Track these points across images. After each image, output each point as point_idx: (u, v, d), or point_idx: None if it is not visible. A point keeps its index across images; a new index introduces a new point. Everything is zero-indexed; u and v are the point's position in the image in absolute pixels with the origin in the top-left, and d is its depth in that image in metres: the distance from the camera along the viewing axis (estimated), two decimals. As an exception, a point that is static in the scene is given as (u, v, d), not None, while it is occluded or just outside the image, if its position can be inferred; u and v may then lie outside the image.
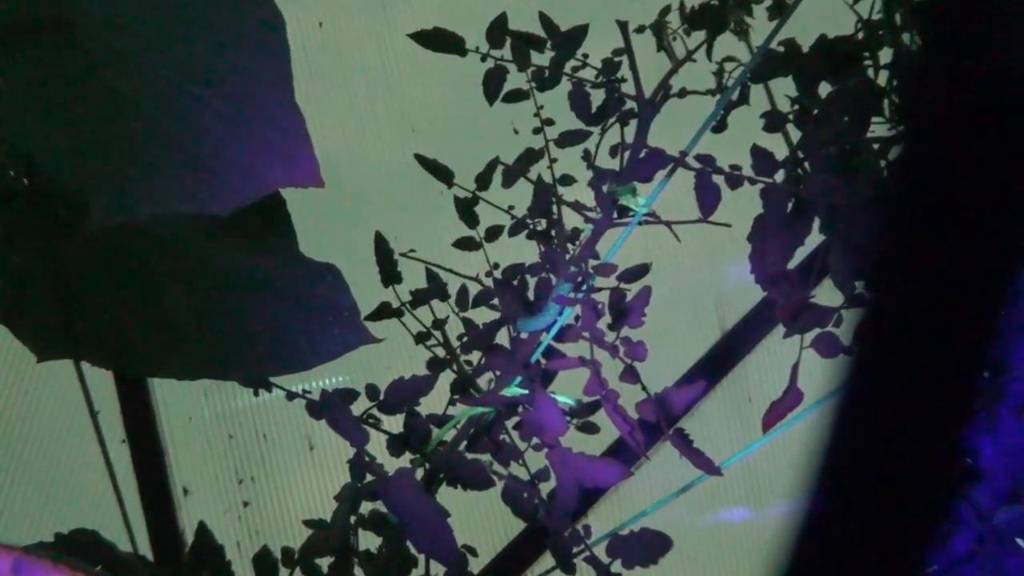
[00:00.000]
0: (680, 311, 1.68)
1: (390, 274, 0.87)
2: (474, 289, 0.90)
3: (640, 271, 0.82)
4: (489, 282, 0.89)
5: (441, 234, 0.89)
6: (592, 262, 0.82)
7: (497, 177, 0.88)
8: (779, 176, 0.80)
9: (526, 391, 0.80)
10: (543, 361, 0.85)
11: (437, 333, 0.90)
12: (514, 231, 0.88)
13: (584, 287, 0.81)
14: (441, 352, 0.90)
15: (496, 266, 0.90)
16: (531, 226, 0.88)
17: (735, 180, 0.79)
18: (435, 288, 0.90)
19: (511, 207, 0.89)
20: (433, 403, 0.86)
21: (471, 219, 0.89)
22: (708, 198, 0.78)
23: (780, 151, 0.82)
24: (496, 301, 0.88)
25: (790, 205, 0.79)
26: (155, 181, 0.47)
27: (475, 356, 0.89)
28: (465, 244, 0.91)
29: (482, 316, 0.89)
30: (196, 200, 0.48)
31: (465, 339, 0.89)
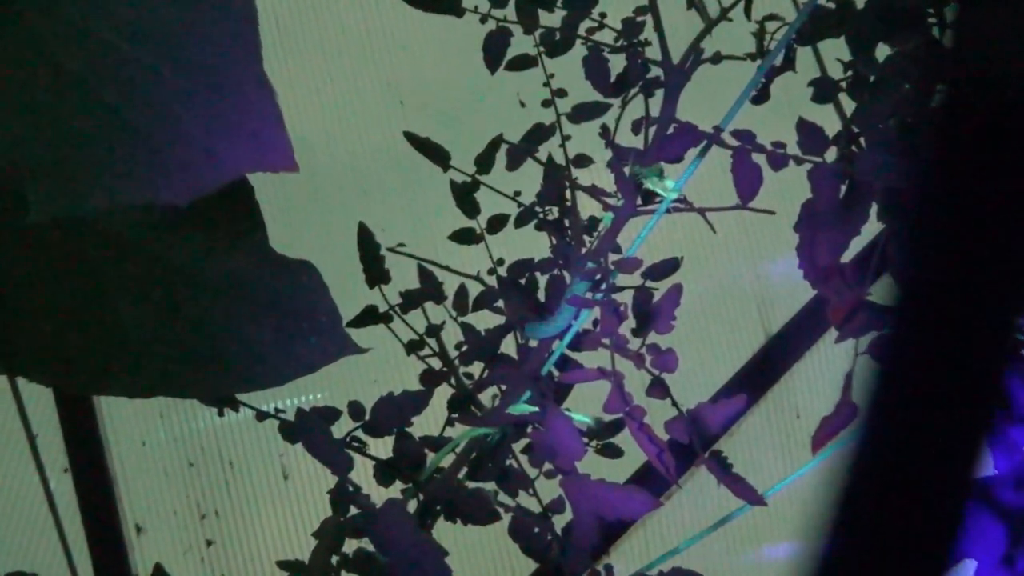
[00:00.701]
0: (716, 313, 1.68)
1: (376, 272, 0.88)
2: (475, 289, 0.90)
3: (669, 267, 0.83)
4: (492, 281, 0.89)
5: (436, 225, 0.90)
6: (613, 257, 0.82)
7: (501, 158, 0.88)
8: (830, 155, 0.80)
9: (536, 408, 0.80)
10: (556, 373, 0.85)
11: (431, 341, 0.91)
12: (521, 221, 0.88)
13: (603, 286, 0.82)
14: (437, 364, 0.90)
15: (500, 262, 0.90)
16: (541, 215, 0.88)
17: (779, 159, 0.79)
18: (429, 288, 0.90)
19: (517, 193, 0.89)
20: (428, 423, 0.86)
21: (470, 207, 0.90)
22: (748, 181, 0.78)
23: (831, 125, 0.83)
24: (500, 303, 0.88)
25: (843, 188, 0.79)
26: (103, 167, 0.48)
27: (476, 368, 0.90)
28: (464, 237, 0.91)
29: (484, 321, 0.90)
30: (151, 189, 0.48)
31: (464, 348, 0.90)
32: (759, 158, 0.79)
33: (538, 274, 0.88)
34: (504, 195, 0.89)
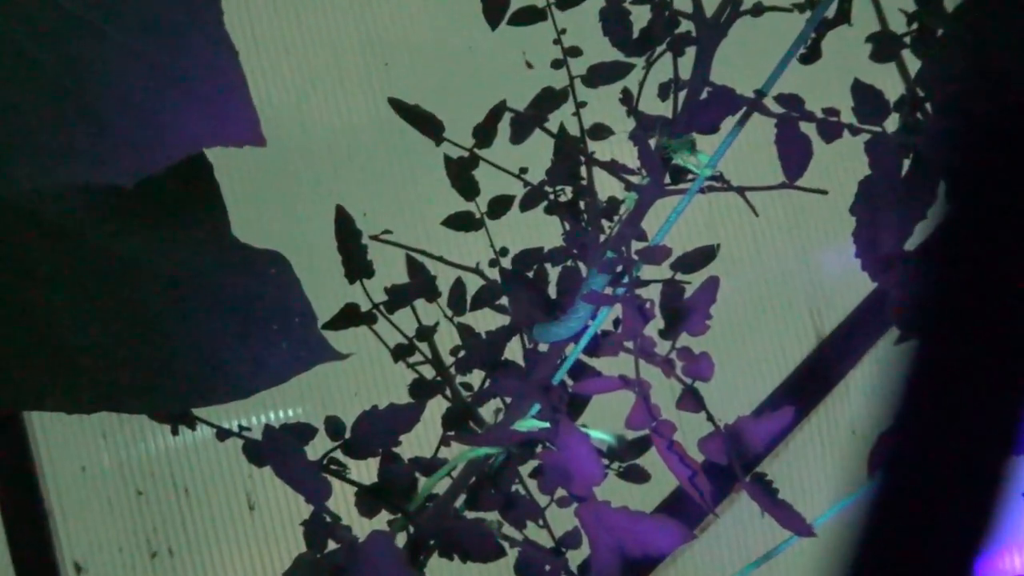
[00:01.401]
0: (759, 312, 1.68)
1: (357, 265, 0.88)
2: (473, 284, 0.90)
3: (704, 256, 0.83)
4: (494, 274, 0.90)
5: (427, 209, 0.90)
6: (637, 245, 0.82)
7: (504, 129, 0.88)
8: (891, 123, 0.80)
9: (547, 424, 0.81)
10: (570, 383, 0.85)
11: (423, 346, 0.91)
12: (528, 203, 0.88)
13: (626, 279, 0.82)
14: (429, 372, 0.90)
15: (504, 252, 0.91)
16: (551, 196, 0.88)
17: (831, 129, 0.79)
18: (419, 283, 0.90)
19: (523, 170, 0.89)
20: (419, 442, 0.86)
21: (468, 187, 0.90)
22: (795, 154, 0.78)
23: (892, 88, 0.83)
24: (504, 300, 0.89)
25: (906, 163, 0.79)
26: (32, 142, 0.48)
27: (476, 377, 0.90)
28: (461, 222, 0.91)
29: (485, 322, 0.90)
30: (91, 168, 0.49)
31: (461, 353, 0.90)
32: (808, 128, 0.79)
33: (548, 266, 0.88)
34: (508, 173, 0.89)
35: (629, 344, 0.79)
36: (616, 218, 0.86)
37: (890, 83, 0.83)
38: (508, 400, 0.88)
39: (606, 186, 0.87)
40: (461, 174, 0.90)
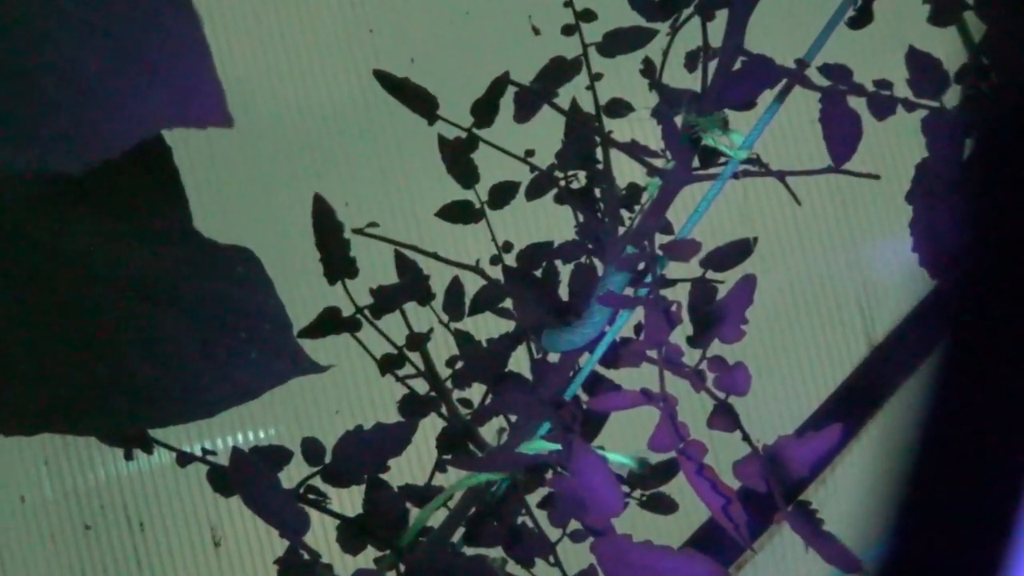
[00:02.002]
0: (802, 315, 1.68)
1: (338, 263, 0.88)
2: (473, 285, 0.90)
3: (738, 251, 0.83)
4: (497, 273, 0.90)
5: (419, 198, 0.90)
6: (661, 238, 0.82)
7: (507, 106, 0.88)
8: (952, 97, 0.80)
9: (558, 446, 0.81)
10: (584, 398, 0.85)
11: (414, 356, 0.91)
12: (535, 191, 0.88)
13: (648, 279, 0.82)
14: (422, 387, 0.90)
15: (507, 247, 0.91)
16: (562, 182, 0.88)
17: (884, 105, 0.79)
18: (411, 284, 0.90)
19: (529, 153, 0.89)
20: (410, 467, 0.87)
21: (466, 173, 0.90)
22: (843, 134, 0.78)
23: (954, 58, 0.83)
24: (508, 303, 0.89)
25: (969, 143, 0.79)
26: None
27: (475, 392, 0.90)
28: (457, 213, 0.91)
29: (486, 327, 0.90)
30: (32, 153, 0.49)
31: (459, 365, 0.90)
32: (857, 103, 0.79)
33: (559, 263, 0.88)
34: (512, 156, 0.89)
35: (652, 353, 0.79)
36: (637, 208, 0.86)
37: (951, 51, 0.83)
38: (513, 418, 0.88)
39: (625, 171, 0.87)
40: (458, 158, 0.90)
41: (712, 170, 0.83)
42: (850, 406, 1.73)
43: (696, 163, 0.82)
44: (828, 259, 1.71)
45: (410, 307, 0.91)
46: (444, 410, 0.90)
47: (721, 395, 0.79)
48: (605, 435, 0.87)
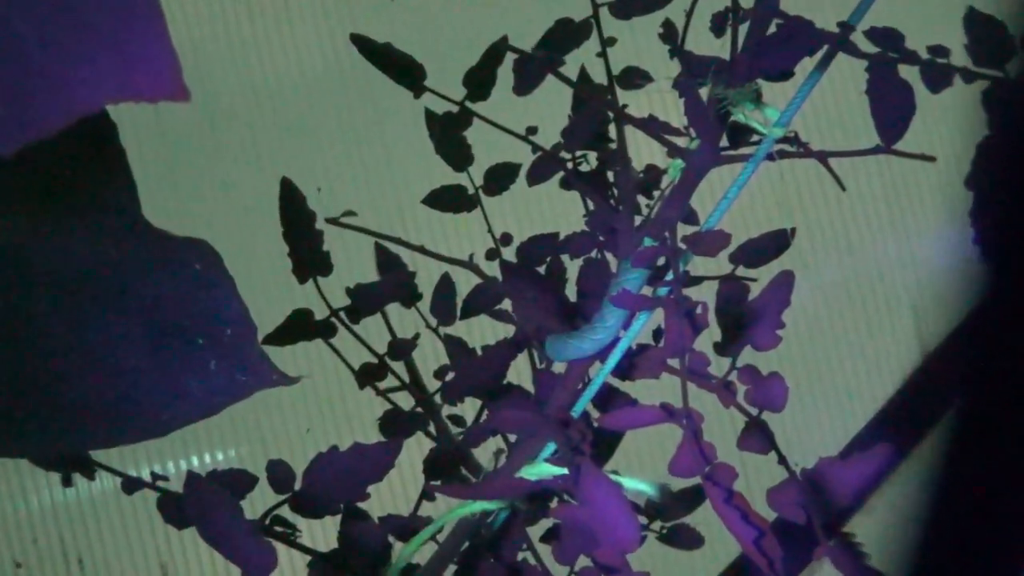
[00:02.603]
0: (848, 318, 1.68)
1: (309, 257, 0.88)
2: (466, 284, 0.90)
3: (774, 244, 0.83)
4: (493, 269, 0.90)
5: (403, 183, 0.90)
6: (684, 230, 0.82)
7: (506, 76, 0.89)
8: (1015, 66, 0.80)
9: (565, 470, 0.81)
10: (595, 415, 0.85)
11: (398, 366, 0.91)
12: (538, 174, 0.88)
13: (670, 276, 0.82)
14: (407, 401, 0.91)
15: (506, 240, 0.91)
16: (569, 164, 0.88)
17: (939, 74, 0.79)
18: (393, 282, 0.90)
19: (532, 131, 0.89)
20: (392, 495, 0.87)
21: (458, 154, 0.90)
22: (893, 108, 0.79)
23: (1018, 20, 0.83)
24: (507, 304, 0.89)
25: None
26: None
27: (469, 407, 0.90)
28: (447, 200, 0.91)
29: (481, 332, 0.90)
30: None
31: (450, 376, 0.90)
32: (909, 73, 0.79)
33: (566, 258, 0.88)
34: (511, 133, 0.89)
35: (674, 362, 0.79)
36: (656, 194, 0.86)
37: (1016, 13, 0.83)
38: (512, 438, 0.88)
39: (642, 151, 0.87)
40: (448, 136, 0.90)
41: (743, 150, 0.83)
42: (901, 423, 1.73)
43: (724, 142, 0.82)
44: (876, 254, 1.72)
45: (393, 309, 0.91)
46: (432, 428, 0.90)
47: (753, 411, 0.79)
48: (619, 458, 0.87)
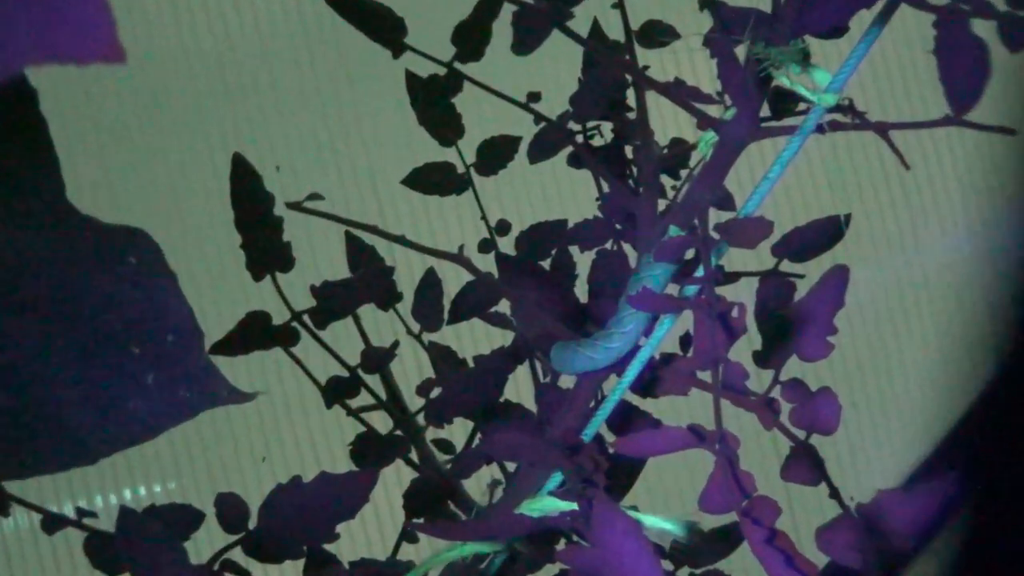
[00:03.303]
0: (912, 321, 1.68)
1: (267, 249, 0.88)
2: (455, 282, 0.90)
3: (825, 233, 0.83)
4: (488, 264, 0.90)
5: (379, 160, 0.90)
6: (717, 216, 0.82)
7: (502, 31, 0.89)
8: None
9: (574, 505, 0.81)
10: (610, 439, 0.85)
11: (373, 380, 0.91)
12: (542, 150, 0.89)
13: (699, 271, 0.82)
14: (384, 422, 0.91)
15: (503, 229, 0.91)
16: (580, 137, 0.88)
17: (1020, 30, 0.79)
18: (368, 280, 0.90)
19: (534, 97, 0.90)
20: (366, 535, 0.87)
21: (446, 124, 0.90)
22: (966, 70, 0.79)
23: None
24: (505, 306, 0.89)
25: None
26: None
27: (458, 429, 0.90)
28: (433, 181, 0.91)
29: (473, 340, 0.90)
30: None
31: (436, 392, 0.90)
32: (985, 28, 0.79)
33: (575, 250, 0.88)
34: (509, 100, 0.90)
35: (705, 375, 0.80)
36: (684, 174, 0.86)
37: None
38: (510, 467, 0.88)
39: (667, 122, 0.87)
40: (434, 103, 0.90)
41: (788, 121, 0.83)
42: (976, 447, 1.74)
43: (765, 111, 0.83)
44: (946, 245, 1.72)
45: (367, 312, 0.91)
46: (414, 455, 0.90)
47: (800, 434, 0.79)
48: (639, 490, 0.87)
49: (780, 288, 0.83)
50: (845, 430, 0.80)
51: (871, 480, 0.80)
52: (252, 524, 0.84)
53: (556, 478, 0.83)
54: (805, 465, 0.79)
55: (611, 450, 0.85)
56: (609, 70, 0.88)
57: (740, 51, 0.82)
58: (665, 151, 0.87)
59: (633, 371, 0.83)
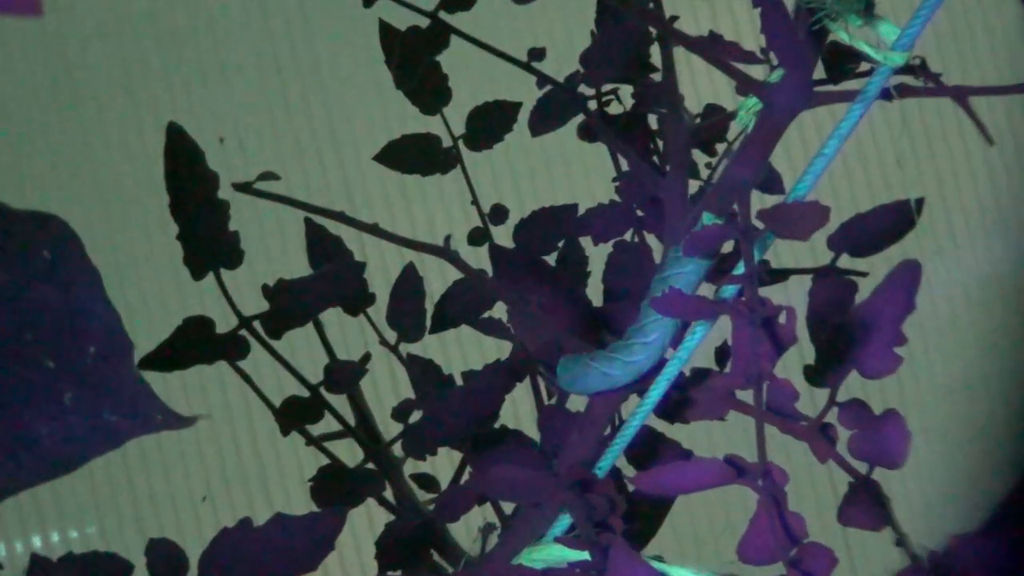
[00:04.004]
0: (997, 326, 1.68)
1: (209, 241, 0.88)
2: (441, 281, 0.90)
3: (891, 222, 0.83)
4: (481, 258, 0.90)
5: (348, 132, 0.89)
6: (761, 200, 0.82)
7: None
8: None
9: (585, 554, 0.81)
10: (630, 474, 0.85)
11: (339, 401, 0.91)
12: (547, 118, 0.89)
13: (740, 269, 0.82)
14: (352, 455, 0.91)
15: (499, 216, 0.91)
16: (593, 104, 0.88)
17: None
18: (333, 278, 0.90)
19: (536, 55, 0.90)
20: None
21: (429, 88, 0.90)
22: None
23: None
24: (501, 311, 0.89)
25: None
26: None
27: (443, 461, 0.90)
28: (414, 156, 0.91)
29: (462, 352, 0.90)
30: None
31: (416, 415, 0.90)
32: None
33: (587, 243, 0.88)
34: (507, 59, 0.90)
35: (746, 395, 0.79)
36: (720, 148, 0.86)
37: None
38: (508, 508, 0.88)
39: (701, 86, 0.87)
40: (414, 62, 0.90)
41: (847, 85, 0.83)
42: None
43: (820, 73, 0.83)
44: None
45: (332, 318, 0.91)
46: (389, 493, 0.90)
47: (861, 466, 0.79)
48: (664, 536, 0.87)
49: (838, 289, 0.83)
50: (915, 462, 0.80)
51: (944, 522, 0.80)
52: (193, 573, 0.84)
53: (563, 521, 0.83)
54: (866, 505, 0.79)
55: (631, 487, 0.85)
56: (630, 21, 0.88)
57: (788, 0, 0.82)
58: (698, 121, 0.87)
59: (658, 391, 0.83)
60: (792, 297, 0.82)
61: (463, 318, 0.91)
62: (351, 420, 0.92)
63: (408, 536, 0.89)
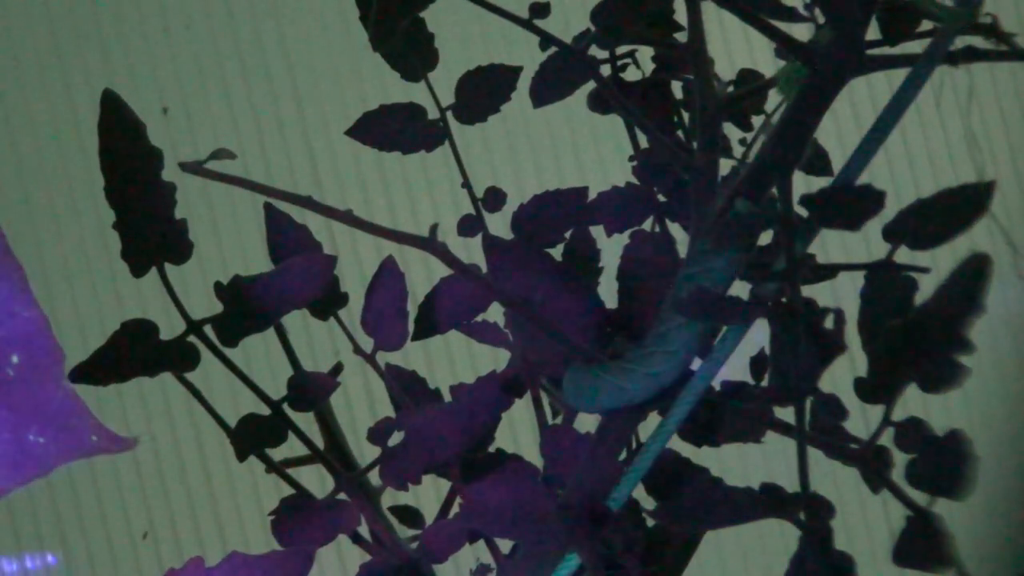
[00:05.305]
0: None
1: (151, 231, 0.88)
2: (425, 276, 0.90)
3: (958, 210, 0.83)
4: (474, 251, 0.90)
5: (314, 102, 0.89)
6: (804, 182, 0.82)
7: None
8: None
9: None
10: (649, 506, 0.86)
11: (305, 420, 0.91)
12: (551, 86, 0.89)
13: (779, 263, 0.82)
14: (321, 484, 0.91)
15: (495, 200, 0.91)
16: (606, 69, 0.89)
17: None
18: (298, 275, 0.91)
19: (539, 10, 0.90)
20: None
21: (412, 50, 0.90)
22: None
23: None
24: (498, 314, 0.89)
25: None
26: None
27: (429, 491, 0.90)
28: (393, 130, 0.92)
29: (450, 362, 0.90)
30: None
31: (396, 438, 0.90)
32: None
33: (599, 233, 0.88)
34: (504, 15, 0.90)
35: (787, 413, 0.80)
36: (756, 121, 0.86)
37: None
38: (505, 546, 0.88)
39: (733, 48, 0.87)
40: (394, 19, 0.90)
41: (904, 47, 0.83)
42: None
43: (874, 33, 0.83)
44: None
45: (296, 322, 0.91)
46: (365, 529, 0.90)
47: (920, 497, 0.79)
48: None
49: (894, 287, 0.83)
50: (983, 493, 0.80)
51: (1013, 556, 0.81)
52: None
53: (570, 562, 0.83)
54: (926, 543, 0.79)
55: (650, 521, 0.85)
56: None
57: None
58: (730, 89, 0.87)
59: (683, 408, 0.84)
60: (841, 298, 0.82)
61: (452, 322, 0.91)
62: (319, 443, 0.92)
63: (388, 577, 0.89)
